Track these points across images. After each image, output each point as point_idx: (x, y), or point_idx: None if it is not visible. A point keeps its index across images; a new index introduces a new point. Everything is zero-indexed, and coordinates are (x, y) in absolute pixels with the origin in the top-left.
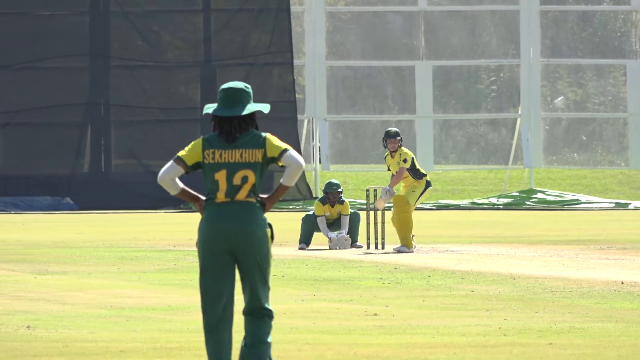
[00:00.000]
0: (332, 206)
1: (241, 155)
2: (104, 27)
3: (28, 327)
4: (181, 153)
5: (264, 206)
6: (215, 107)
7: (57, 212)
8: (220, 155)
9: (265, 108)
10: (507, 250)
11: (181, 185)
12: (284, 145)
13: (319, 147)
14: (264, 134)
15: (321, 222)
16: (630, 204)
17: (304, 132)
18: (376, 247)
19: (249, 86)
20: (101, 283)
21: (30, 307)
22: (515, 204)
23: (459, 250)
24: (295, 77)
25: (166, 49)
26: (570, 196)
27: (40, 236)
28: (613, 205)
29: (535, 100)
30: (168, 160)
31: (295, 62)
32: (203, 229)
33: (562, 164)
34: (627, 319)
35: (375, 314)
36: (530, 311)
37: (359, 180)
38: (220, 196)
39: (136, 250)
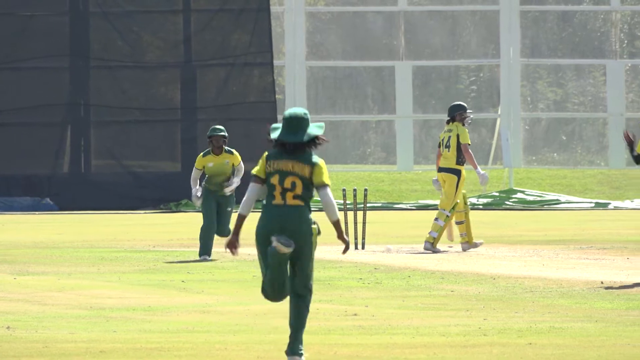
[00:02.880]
0: (217, 154)
1: (292, 167)
2: (83, 27)
3: (8, 327)
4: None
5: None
6: (279, 133)
7: (36, 212)
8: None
9: (321, 129)
10: (487, 250)
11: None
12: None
13: None
14: (317, 160)
15: (195, 174)
16: (610, 203)
17: None
18: (356, 248)
19: (307, 112)
20: (81, 284)
21: (10, 307)
22: (495, 204)
23: (438, 250)
24: (275, 78)
25: (146, 49)
26: (550, 196)
27: (20, 237)
28: (593, 205)
29: (515, 100)
30: (148, 161)
31: (275, 62)
32: None
33: (541, 164)
34: (606, 318)
35: (355, 314)
36: (510, 311)
37: (338, 180)
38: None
39: (116, 250)
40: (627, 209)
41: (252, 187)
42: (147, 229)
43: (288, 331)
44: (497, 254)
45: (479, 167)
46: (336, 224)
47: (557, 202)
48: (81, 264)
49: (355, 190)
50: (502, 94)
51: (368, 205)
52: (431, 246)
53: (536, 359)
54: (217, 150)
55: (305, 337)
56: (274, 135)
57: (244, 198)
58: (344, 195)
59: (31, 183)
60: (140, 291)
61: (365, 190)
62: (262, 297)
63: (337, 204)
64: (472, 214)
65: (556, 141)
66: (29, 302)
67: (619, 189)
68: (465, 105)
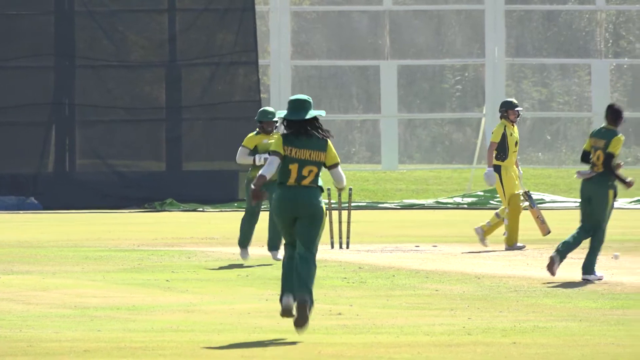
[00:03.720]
0: (268, 134)
1: (310, 155)
2: (69, 26)
3: None
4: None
5: None
6: (285, 113)
7: (21, 211)
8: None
9: (322, 113)
10: (472, 250)
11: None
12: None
13: None
14: (329, 144)
15: (242, 152)
16: None
17: None
18: (340, 247)
19: (310, 98)
20: (65, 283)
21: None
22: (480, 203)
23: (423, 250)
24: (260, 77)
25: (131, 48)
26: (534, 195)
27: (4, 236)
28: (577, 204)
29: (500, 99)
30: (133, 160)
31: (260, 61)
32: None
33: (526, 163)
34: (590, 318)
35: (340, 314)
36: (494, 310)
37: (323, 179)
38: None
39: (100, 250)
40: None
41: (274, 160)
42: (131, 228)
43: (273, 330)
44: (482, 253)
45: (489, 167)
46: (342, 189)
47: (542, 201)
48: (65, 263)
49: (329, 189)
50: (487, 94)
51: (353, 204)
52: (509, 247)
53: (520, 358)
54: (267, 133)
55: (290, 336)
56: (281, 114)
57: (267, 165)
58: (329, 195)
59: (16, 182)
60: (124, 290)
61: (350, 189)
62: (246, 296)
63: (324, 203)
64: (457, 214)
65: (541, 140)
66: (13, 301)
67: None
68: (509, 101)
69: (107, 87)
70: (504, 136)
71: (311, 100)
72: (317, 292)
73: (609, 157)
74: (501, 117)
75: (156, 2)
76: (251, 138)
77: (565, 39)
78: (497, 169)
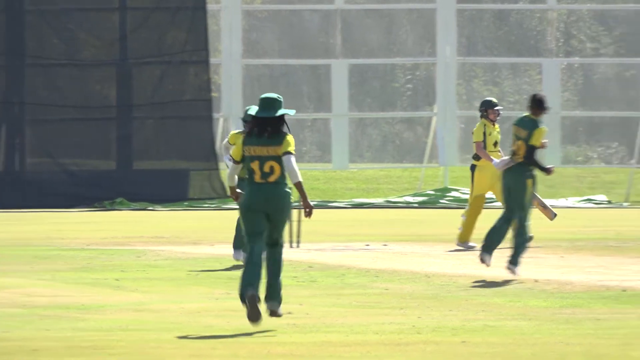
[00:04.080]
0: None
1: (268, 151)
2: (19, 25)
3: None
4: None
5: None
6: (256, 111)
7: None
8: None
9: (291, 112)
10: (422, 249)
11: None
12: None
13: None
14: (286, 136)
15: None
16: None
17: (220, 130)
18: (291, 246)
19: (280, 97)
20: (15, 282)
21: None
22: (430, 203)
23: (373, 249)
24: (211, 76)
25: (82, 47)
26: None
27: None
28: None
29: (451, 98)
30: (83, 159)
31: (212, 60)
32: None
33: None
34: (540, 316)
35: (290, 313)
36: (444, 309)
37: None
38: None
39: (50, 249)
40: (561, 207)
41: (231, 167)
42: (81, 228)
43: (222, 329)
44: (432, 252)
45: (494, 161)
46: (298, 186)
47: (492, 200)
48: (15, 263)
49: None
50: (438, 93)
51: None
52: (460, 243)
53: (470, 357)
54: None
55: (240, 335)
56: (251, 111)
57: (228, 173)
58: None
59: None
60: (73, 289)
61: None
62: (195, 295)
63: (291, 200)
64: (408, 213)
65: None
66: None
67: (554, 187)
68: (489, 100)
69: (58, 85)
70: (483, 135)
71: (281, 99)
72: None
73: (531, 149)
74: (481, 117)
75: (107, 1)
76: (235, 136)
77: (516, 38)
78: (472, 167)
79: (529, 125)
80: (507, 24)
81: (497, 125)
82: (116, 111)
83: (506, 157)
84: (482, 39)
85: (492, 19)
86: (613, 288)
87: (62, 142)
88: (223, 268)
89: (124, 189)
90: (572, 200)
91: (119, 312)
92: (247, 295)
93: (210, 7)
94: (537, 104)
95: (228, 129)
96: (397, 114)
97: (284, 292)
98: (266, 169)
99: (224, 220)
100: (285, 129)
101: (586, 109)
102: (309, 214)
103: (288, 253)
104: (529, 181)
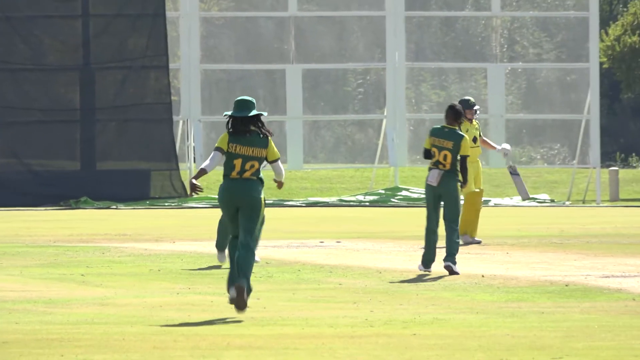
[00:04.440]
0: None
1: (253, 152)
2: None
3: None
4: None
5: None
6: (231, 112)
7: None
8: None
9: (264, 113)
10: (374, 245)
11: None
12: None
13: (194, 146)
14: (270, 142)
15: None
16: (490, 200)
17: (179, 132)
18: None
19: (254, 99)
20: None
21: None
22: (381, 201)
23: (327, 246)
24: (170, 80)
25: (47, 52)
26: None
27: None
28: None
29: (401, 102)
30: (49, 160)
31: (171, 65)
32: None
33: (425, 163)
34: (487, 310)
35: (248, 307)
36: (395, 303)
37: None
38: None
39: (18, 245)
40: (506, 205)
41: (215, 155)
42: (47, 225)
43: (184, 322)
44: (383, 249)
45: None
46: (279, 183)
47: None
48: None
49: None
50: (388, 96)
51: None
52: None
53: (420, 348)
54: None
55: (198, 328)
56: (228, 112)
57: (209, 159)
58: None
59: None
60: (41, 284)
61: None
62: (157, 290)
63: (263, 195)
64: (360, 211)
65: None
66: None
67: (499, 186)
68: (466, 100)
69: (24, 89)
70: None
71: (254, 101)
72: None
73: (463, 158)
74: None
75: (70, 8)
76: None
77: (462, 44)
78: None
79: (452, 136)
80: (454, 30)
81: (475, 122)
82: (80, 114)
83: (434, 170)
84: (429, 44)
85: (439, 26)
86: (556, 283)
87: (28, 144)
88: (184, 264)
89: (88, 189)
90: (516, 199)
91: (85, 306)
92: (230, 294)
93: (170, 14)
94: (456, 115)
95: (187, 131)
96: (349, 117)
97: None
98: (247, 167)
99: (185, 218)
100: (265, 130)
101: (529, 112)
102: (280, 186)
103: None
104: (458, 185)
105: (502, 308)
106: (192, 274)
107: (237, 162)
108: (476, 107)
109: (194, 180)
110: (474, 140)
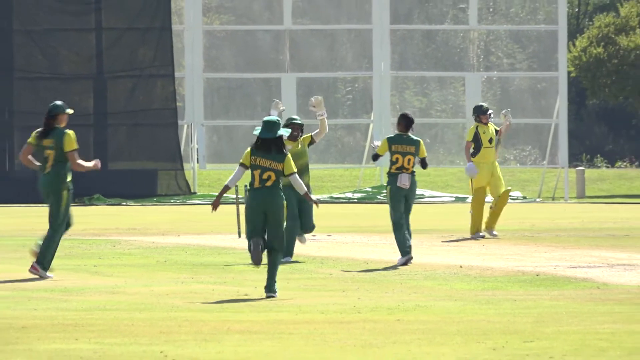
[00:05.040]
0: (295, 140)
1: (270, 164)
2: (8, 43)
3: None
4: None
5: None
6: (260, 131)
7: None
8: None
9: (287, 132)
10: (361, 239)
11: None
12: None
13: (197, 148)
14: (287, 156)
15: None
16: (467, 198)
17: (184, 135)
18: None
19: (279, 119)
20: (5, 268)
21: None
22: (368, 198)
23: (319, 239)
24: (176, 88)
25: (63, 62)
26: (421, 191)
27: None
28: (453, 199)
29: (386, 107)
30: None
31: (177, 74)
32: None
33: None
34: (465, 298)
35: (246, 295)
36: (381, 292)
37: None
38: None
39: (35, 239)
40: None
41: (239, 169)
42: None
43: (188, 309)
44: (370, 242)
45: (469, 162)
46: (305, 195)
47: (422, 196)
48: (4, 251)
49: (237, 186)
50: (374, 102)
51: None
52: (472, 236)
53: (404, 333)
54: (294, 139)
55: (201, 314)
56: (256, 132)
57: (232, 175)
58: (237, 191)
59: None
60: (57, 274)
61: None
62: (164, 279)
63: (231, 198)
64: (349, 207)
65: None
66: None
67: None
68: (479, 106)
69: (42, 96)
70: (476, 135)
71: (280, 122)
72: (226, 275)
73: (425, 159)
74: (475, 120)
75: (85, 22)
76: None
77: (442, 55)
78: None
79: (412, 142)
80: (435, 42)
81: (490, 124)
82: (93, 119)
83: (404, 175)
84: (412, 55)
85: (421, 38)
86: (528, 273)
87: None
88: (188, 256)
89: (101, 187)
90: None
91: (97, 294)
92: (252, 240)
93: (175, 27)
94: (409, 123)
95: (191, 134)
96: (339, 121)
97: (241, 277)
98: (264, 177)
99: (189, 214)
100: (284, 148)
101: None
102: (316, 204)
103: (244, 242)
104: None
105: (478, 296)
106: (195, 265)
107: (256, 173)
108: (490, 112)
109: (217, 201)
110: (490, 141)
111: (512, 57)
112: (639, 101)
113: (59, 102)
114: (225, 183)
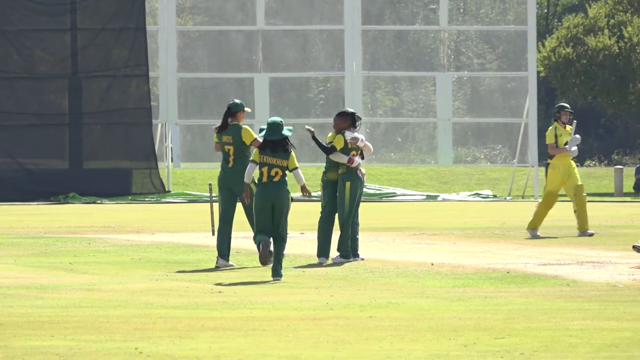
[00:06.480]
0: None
1: (276, 161)
2: None
3: None
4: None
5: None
6: (265, 133)
7: None
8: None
9: (290, 131)
10: (333, 236)
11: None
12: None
13: (171, 147)
14: (291, 154)
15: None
16: (439, 196)
17: (158, 134)
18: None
19: (282, 120)
20: None
21: None
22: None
23: (292, 237)
24: (150, 87)
25: (39, 62)
26: (387, 189)
27: None
28: (424, 197)
29: (358, 107)
30: (41, 159)
31: (151, 74)
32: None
33: (380, 162)
34: (436, 295)
35: (220, 292)
36: (353, 289)
37: (205, 176)
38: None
39: (12, 237)
40: (453, 200)
41: (251, 165)
42: (39, 219)
43: (162, 306)
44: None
45: (570, 147)
46: (302, 188)
47: (394, 194)
48: None
49: (210, 185)
50: (346, 102)
51: None
52: (530, 230)
53: (376, 330)
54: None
55: (175, 311)
56: (261, 134)
57: (246, 172)
58: (210, 189)
59: None
60: (33, 272)
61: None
62: (138, 277)
63: (205, 197)
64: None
65: (393, 142)
66: None
67: (447, 183)
68: (561, 105)
69: (18, 96)
70: (554, 137)
71: (283, 122)
72: (200, 273)
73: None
74: (554, 120)
75: (60, 22)
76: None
77: (413, 55)
78: (546, 165)
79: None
80: (406, 42)
81: (568, 127)
82: (69, 118)
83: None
84: (384, 55)
85: (393, 38)
86: (498, 270)
87: (22, 145)
88: (162, 253)
89: (76, 185)
90: (462, 195)
91: (73, 292)
92: (262, 243)
93: (149, 28)
94: (354, 120)
95: (165, 133)
96: (311, 121)
97: (215, 274)
98: (272, 173)
99: (163, 212)
100: (288, 147)
101: (474, 116)
102: (308, 195)
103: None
104: (348, 184)
105: (449, 293)
106: (169, 262)
107: (264, 170)
108: (568, 110)
109: (247, 193)
110: (565, 143)
111: (482, 57)
112: (607, 101)
113: (238, 101)
114: (244, 180)
